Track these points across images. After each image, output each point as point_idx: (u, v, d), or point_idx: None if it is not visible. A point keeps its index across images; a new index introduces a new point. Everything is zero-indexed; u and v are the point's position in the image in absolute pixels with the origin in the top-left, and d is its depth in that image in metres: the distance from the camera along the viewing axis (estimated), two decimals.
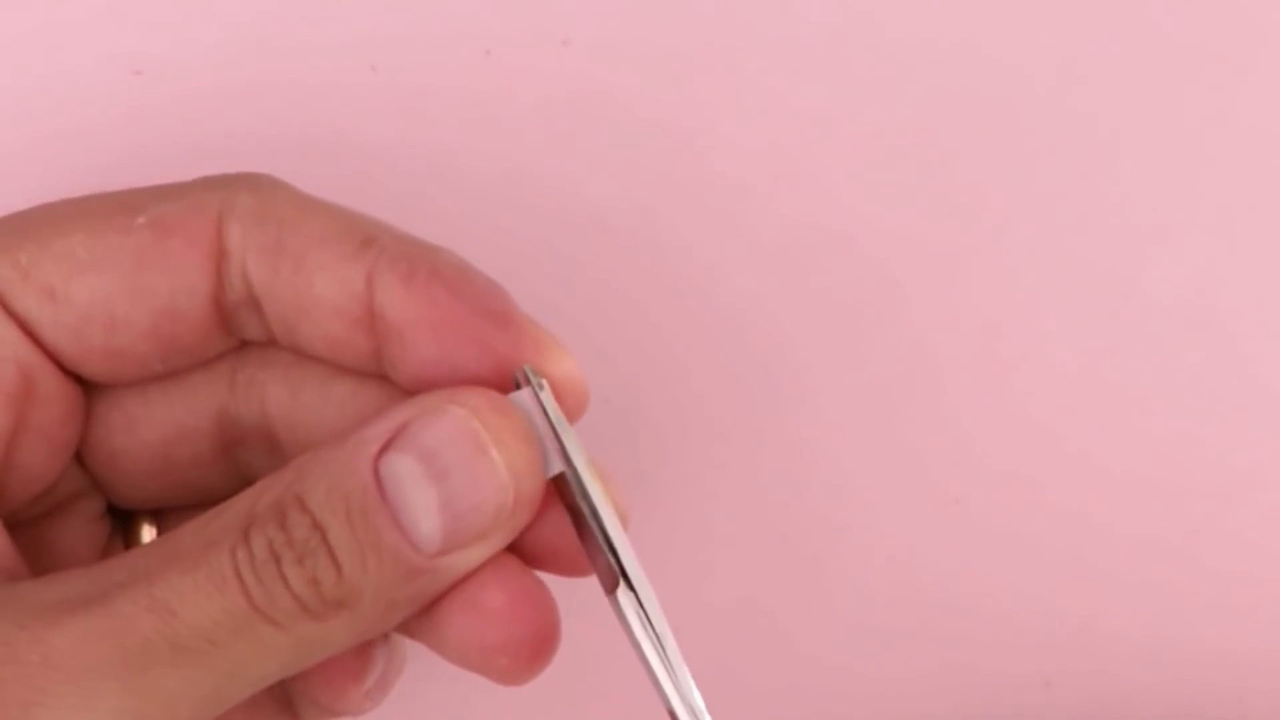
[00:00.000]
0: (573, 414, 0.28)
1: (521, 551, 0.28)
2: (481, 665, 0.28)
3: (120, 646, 0.25)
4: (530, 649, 0.28)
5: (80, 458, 0.30)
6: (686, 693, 0.27)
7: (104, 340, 0.28)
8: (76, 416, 0.29)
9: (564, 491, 0.28)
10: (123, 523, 0.31)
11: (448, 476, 0.27)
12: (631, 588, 0.27)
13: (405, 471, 0.26)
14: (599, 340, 0.36)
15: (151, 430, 0.30)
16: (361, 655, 0.29)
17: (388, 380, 0.29)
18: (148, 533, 0.31)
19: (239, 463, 0.31)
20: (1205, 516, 0.37)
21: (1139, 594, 0.37)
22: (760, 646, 0.37)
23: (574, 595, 0.29)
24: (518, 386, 0.28)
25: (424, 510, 0.26)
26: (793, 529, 0.37)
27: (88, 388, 0.30)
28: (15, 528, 0.29)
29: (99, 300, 0.28)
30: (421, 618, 0.28)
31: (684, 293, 0.36)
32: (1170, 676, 0.37)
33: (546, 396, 0.27)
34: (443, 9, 0.36)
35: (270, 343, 0.30)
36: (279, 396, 0.30)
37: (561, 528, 0.28)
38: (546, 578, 0.28)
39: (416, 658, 0.30)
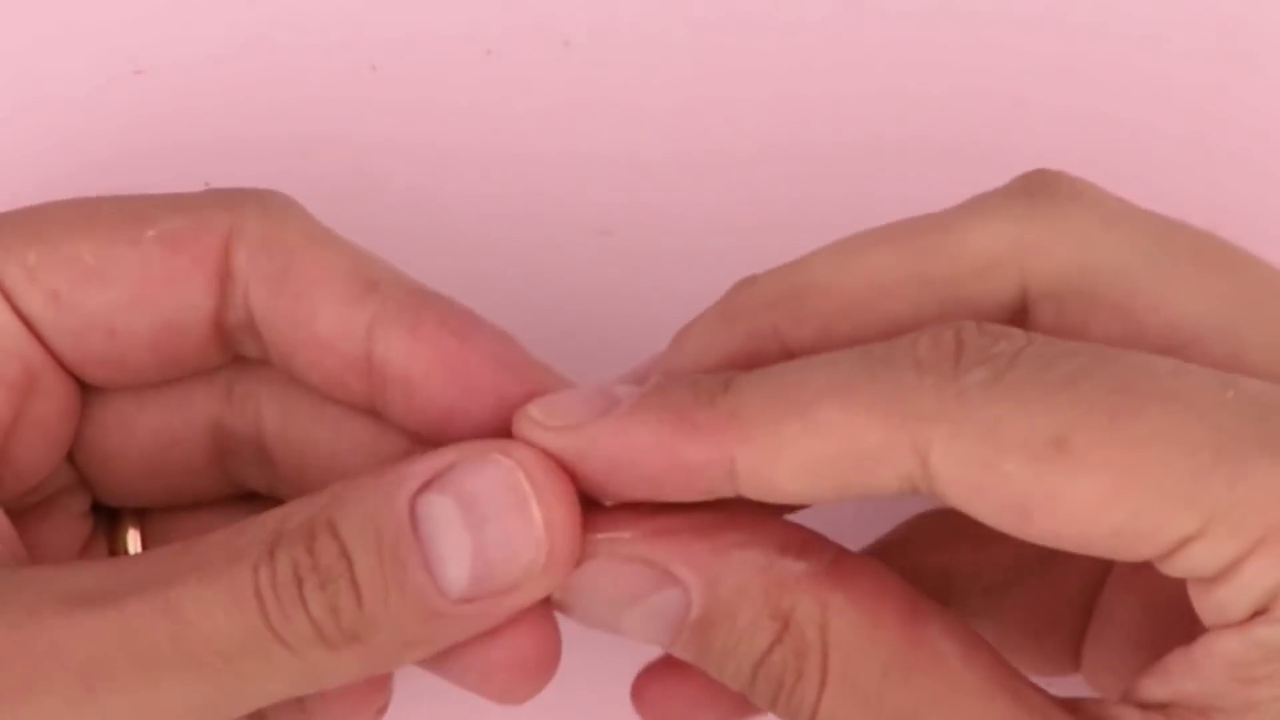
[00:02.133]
0: None
1: None
2: (480, 685, 0.28)
3: (128, 647, 0.25)
4: (531, 668, 0.27)
5: (71, 455, 0.30)
6: None
7: (103, 348, 0.28)
8: (73, 413, 0.29)
9: None
10: (106, 520, 0.31)
11: (485, 525, 0.26)
12: None
13: (442, 513, 0.26)
14: (598, 341, 0.36)
15: (145, 434, 0.30)
16: (379, 678, 0.28)
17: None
18: (132, 535, 0.31)
19: (231, 471, 0.31)
20: None
21: None
22: None
23: None
24: None
25: (455, 555, 0.26)
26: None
27: (85, 386, 0.30)
28: None
29: (102, 309, 0.28)
30: None
31: (684, 293, 0.36)
32: None
33: None
34: (443, 9, 0.36)
35: (266, 362, 0.29)
36: (273, 413, 0.30)
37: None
38: None
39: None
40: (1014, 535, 0.25)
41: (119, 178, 0.35)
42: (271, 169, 0.35)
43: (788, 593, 0.26)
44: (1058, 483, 0.24)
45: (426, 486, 0.26)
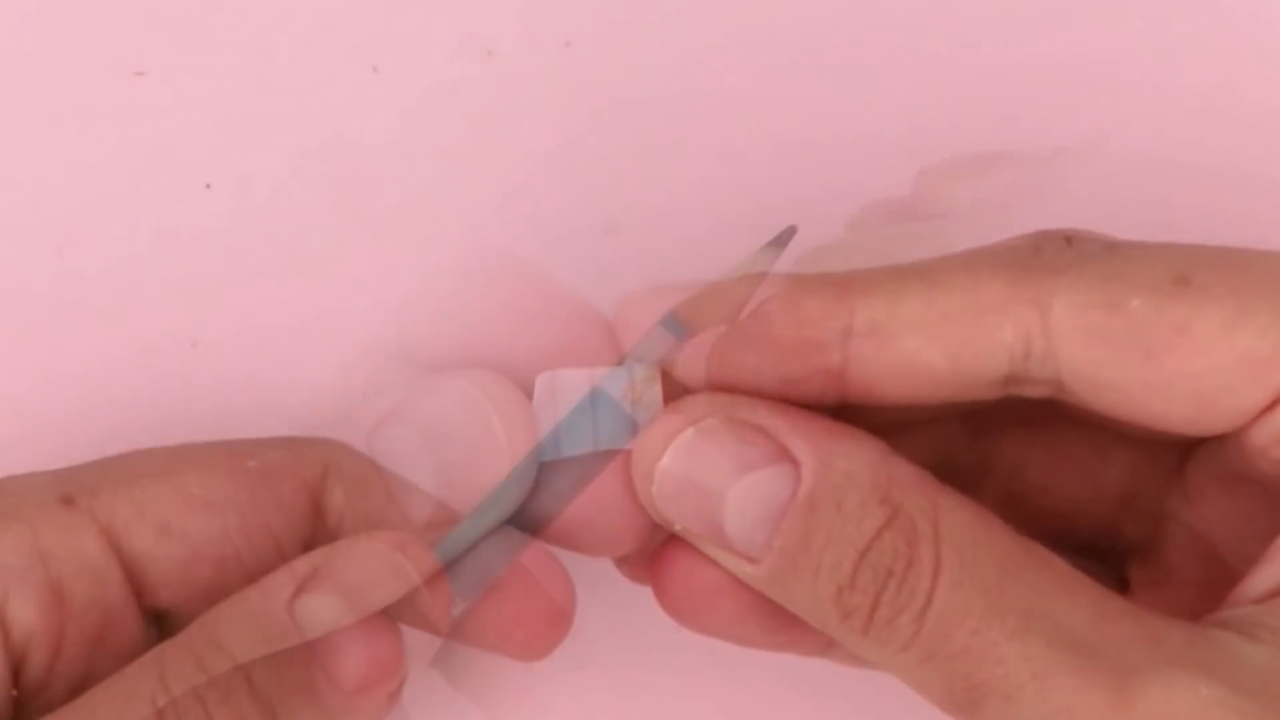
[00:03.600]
0: None
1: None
2: (498, 644, 0.28)
3: None
4: (545, 623, 0.28)
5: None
6: None
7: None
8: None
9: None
10: None
11: (444, 445, 0.27)
12: None
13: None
14: None
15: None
16: (394, 651, 0.28)
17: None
18: None
19: None
20: None
21: None
22: None
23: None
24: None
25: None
26: None
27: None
28: None
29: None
30: None
31: None
32: None
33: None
34: (443, 9, 0.36)
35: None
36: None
37: (578, 505, 0.28)
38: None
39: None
40: (1125, 402, 0.26)
41: (119, 177, 0.35)
42: (273, 170, 0.35)
43: (898, 486, 0.26)
44: (1184, 312, 0.25)
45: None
